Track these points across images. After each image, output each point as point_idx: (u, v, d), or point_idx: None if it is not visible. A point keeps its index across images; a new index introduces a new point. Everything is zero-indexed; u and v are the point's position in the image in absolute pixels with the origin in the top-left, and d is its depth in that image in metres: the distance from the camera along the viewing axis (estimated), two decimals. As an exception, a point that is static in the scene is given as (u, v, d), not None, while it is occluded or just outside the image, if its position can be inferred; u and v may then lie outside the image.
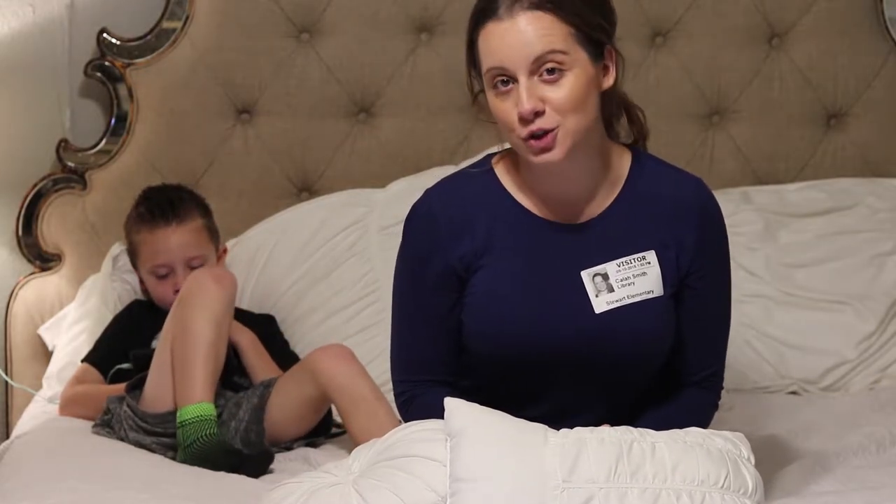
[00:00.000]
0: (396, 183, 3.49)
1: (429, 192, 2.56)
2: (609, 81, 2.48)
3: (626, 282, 2.49)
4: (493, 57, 2.41)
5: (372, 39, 3.58)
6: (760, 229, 3.52)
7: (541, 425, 2.31)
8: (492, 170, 2.56)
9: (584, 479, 2.21)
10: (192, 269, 3.26)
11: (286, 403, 3.01)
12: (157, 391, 3.02)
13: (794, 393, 3.39)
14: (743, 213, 3.54)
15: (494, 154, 2.59)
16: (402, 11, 3.58)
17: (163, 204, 3.30)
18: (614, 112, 2.55)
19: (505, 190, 2.53)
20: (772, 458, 2.81)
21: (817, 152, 3.71)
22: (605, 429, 2.32)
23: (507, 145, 2.54)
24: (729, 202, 3.55)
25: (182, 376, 2.95)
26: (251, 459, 2.87)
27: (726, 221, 3.49)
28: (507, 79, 2.41)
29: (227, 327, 3.03)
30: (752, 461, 2.33)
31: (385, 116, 3.61)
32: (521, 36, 2.39)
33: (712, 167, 3.68)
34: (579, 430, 2.29)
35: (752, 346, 3.42)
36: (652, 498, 2.21)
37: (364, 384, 2.94)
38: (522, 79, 2.39)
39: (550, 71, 2.39)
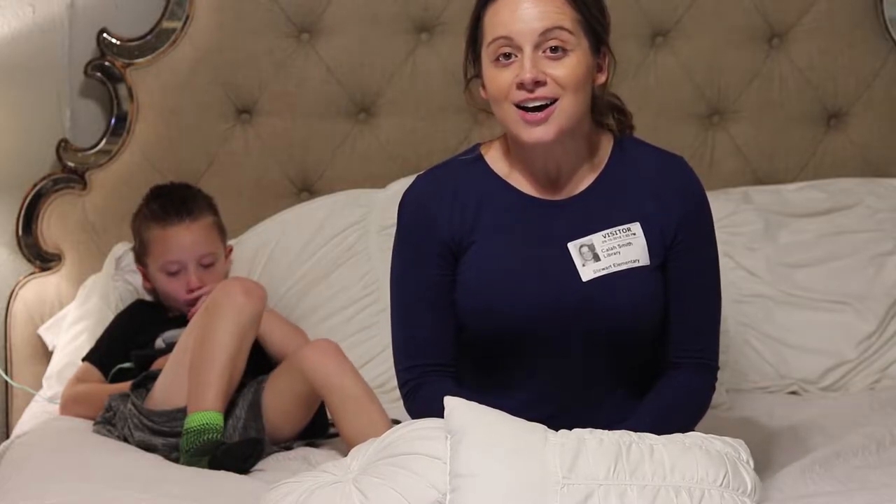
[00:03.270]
0: (396, 183, 3.49)
1: (418, 178, 2.67)
2: (601, 79, 2.58)
3: (611, 251, 2.56)
4: (502, 28, 2.50)
5: (372, 39, 3.58)
6: (760, 229, 3.52)
7: (540, 425, 2.32)
8: (480, 154, 2.65)
9: (584, 476, 2.22)
10: (204, 266, 3.28)
11: (278, 401, 3.01)
12: (168, 390, 3.02)
13: (794, 393, 3.39)
14: (743, 213, 3.54)
15: (482, 143, 2.68)
16: (402, 11, 3.58)
17: (175, 201, 3.32)
18: (603, 110, 2.63)
19: (492, 170, 2.62)
20: (772, 458, 2.81)
21: (817, 152, 3.71)
22: (604, 431, 2.33)
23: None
24: (729, 202, 3.56)
25: (196, 383, 2.95)
26: (239, 445, 2.88)
27: (726, 221, 3.53)
28: (509, 52, 2.50)
29: (250, 340, 3.03)
30: (752, 465, 2.33)
31: (385, 116, 3.61)
32: (532, 10, 2.49)
33: (712, 167, 3.68)
34: (578, 431, 2.31)
35: (752, 346, 3.42)
36: (651, 495, 2.21)
37: (354, 383, 2.93)
38: (528, 49, 2.49)
39: (554, 49, 2.50)
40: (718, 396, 3.26)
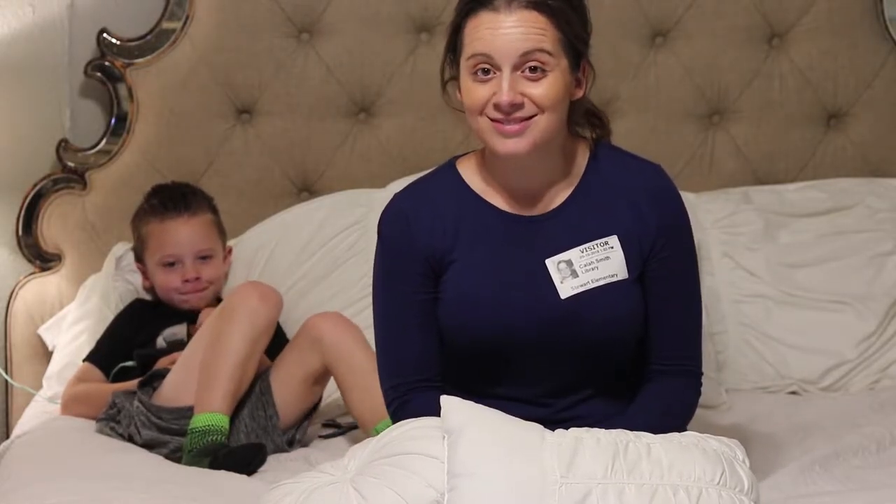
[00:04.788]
0: (396, 183, 3.49)
1: (397, 195, 2.66)
2: (579, 94, 2.57)
3: (589, 267, 2.56)
4: (482, 45, 2.48)
5: (372, 39, 3.58)
6: (760, 229, 3.52)
7: (537, 424, 2.33)
8: (456, 170, 2.64)
9: (582, 475, 2.22)
10: (202, 258, 3.30)
11: (287, 377, 3.03)
12: (178, 388, 3.03)
13: (794, 393, 3.39)
14: (743, 213, 3.54)
15: (458, 157, 2.67)
16: (402, 11, 3.58)
17: (175, 197, 3.34)
18: (579, 119, 2.62)
19: (469, 187, 2.61)
20: (772, 458, 2.82)
21: (817, 152, 3.71)
22: (601, 430, 2.34)
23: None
24: (729, 202, 3.56)
25: (205, 384, 2.96)
26: (242, 450, 2.88)
27: (726, 221, 3.53)
28: (488, 68, 2.48)
29: (262, 345, 3.04)
30: (747, 464, 2.33)
31: (385, 116, 3.61)
32: (514, 30, 2.46)
33: (712, 167, 3.68)
34: (575, 430, 2.31)
35: (752, 346, 3.42)
36: (649, 493, 2.21)
37: (365, 356, 2.98)
38: (506, 71, 2.47)
39: (533, 69, 2.48)
40: (718, 396, 3.26)
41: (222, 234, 3.39)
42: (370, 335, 3.36)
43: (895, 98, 3.71)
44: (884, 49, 3.70)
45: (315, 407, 3.13)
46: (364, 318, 3.40)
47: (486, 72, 2.48)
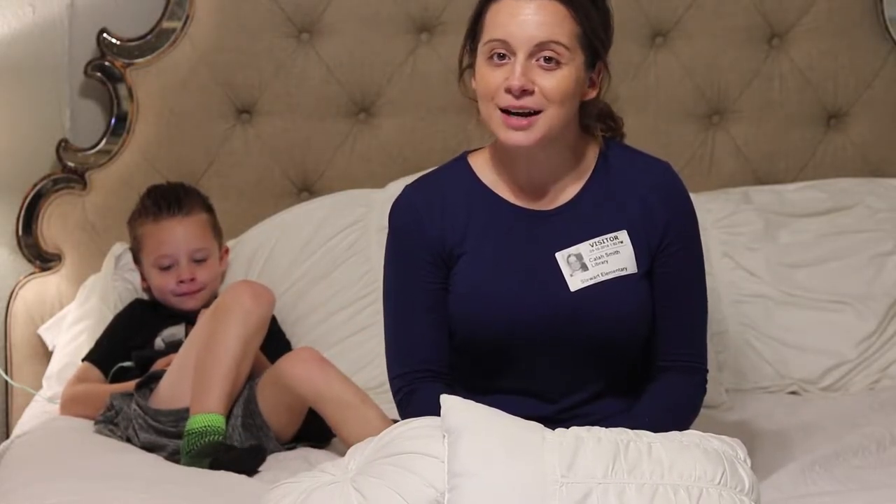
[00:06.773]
0: (396, 183, 3.49)
1: (408, 187, 2.68)
2: (591, 94, 2.59)
3: (599, 260, 2.58)
4: (499, 30, 2.51)
5: (372, 39, 3.58)
6: (760, 229, 3.52)
7: (537, 424, 2.33)
8: (467, 163, 2.66)
9: (583, 475, 2.22)
10: (196, 261, 3.29)
11: (269, 411, 3.01)
12: (174, 390, 3.03)
13: (794, 393, 3.39)
14: (743, 213, 3.54)
15: (470, 151, 2.70)
16: (402, 11, 3.58)
17: (168, 197, 3.33)
18: (591, 121, 2.64)
19: (480, 181, 2.63)
20: (772, 458, 2.82)
21: (817, 152, 3.71)
22: (601, 429, 2.34)
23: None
24: (729, 202, 3.56)
25: (200, 385, 2.95)
26: (243, 453, 2.88)
27: (726, 221, 3.53)
28: (504, 53, 2.50)
29: (256, 344, 3.03)
30: (749, 463, 2.34)
31: (385, 116, 3.61)
32: (532, 18, 2.49)
33: (712, 167, 3.68)
34: (575, 429, 2.31)
35: (752, 346, 3.42)
36: (650, 493, 2.21)
37: (344, 389, 2.93)
38: (521, 56, 2.49)
39: (548, 59, 2.50)
40: (718, 396, 3.26)
41: (218, 234, 3.38)
42: (370, 334, 3.39)
43: (895, 98, 3.71)
44: (884, 49, 3.70)
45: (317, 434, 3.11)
46: (365, 316, 3.43)
47: (501, 56, 2.51)
